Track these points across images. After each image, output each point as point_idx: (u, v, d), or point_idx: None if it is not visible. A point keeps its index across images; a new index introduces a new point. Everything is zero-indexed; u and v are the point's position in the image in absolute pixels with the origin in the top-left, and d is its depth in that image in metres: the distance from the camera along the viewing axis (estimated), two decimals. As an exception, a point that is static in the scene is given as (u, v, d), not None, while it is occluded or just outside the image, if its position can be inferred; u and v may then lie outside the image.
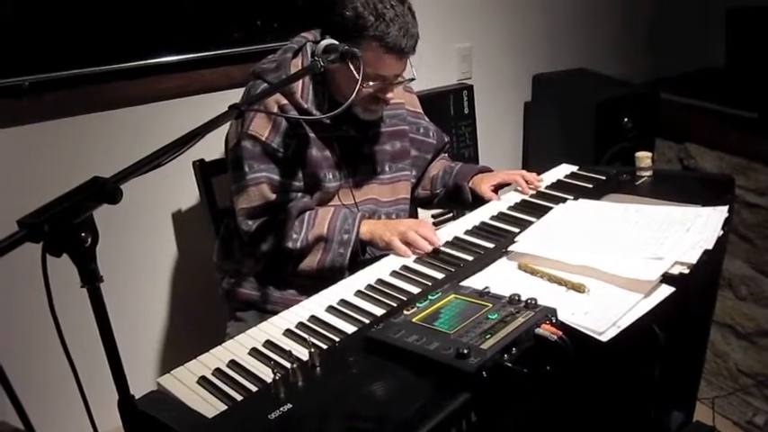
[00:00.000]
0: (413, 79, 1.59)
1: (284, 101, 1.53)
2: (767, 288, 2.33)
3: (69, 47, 1.77)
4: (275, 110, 1.52)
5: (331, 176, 1.61)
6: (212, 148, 1.89)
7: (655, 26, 2.99)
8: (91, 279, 0.82)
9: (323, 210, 1.60)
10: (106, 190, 0.81)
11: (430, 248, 1.46)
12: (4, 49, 1.70)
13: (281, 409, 0.98)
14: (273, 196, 1.54)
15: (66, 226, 0.78)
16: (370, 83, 1.48)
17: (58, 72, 1.75)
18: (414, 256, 1.46)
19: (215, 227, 1.86)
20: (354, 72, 1.38)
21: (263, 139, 1.53)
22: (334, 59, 1.32)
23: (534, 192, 1.74)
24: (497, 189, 1.77)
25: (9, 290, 1.75)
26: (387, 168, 1.72)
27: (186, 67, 1.93)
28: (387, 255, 1.51)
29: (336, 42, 1.39)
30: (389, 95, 1.53)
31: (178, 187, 1.98)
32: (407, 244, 1.47)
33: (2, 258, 0.75)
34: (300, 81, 1.54)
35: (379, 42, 1.44)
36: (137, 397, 0.99)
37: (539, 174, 1.80)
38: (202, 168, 1.88)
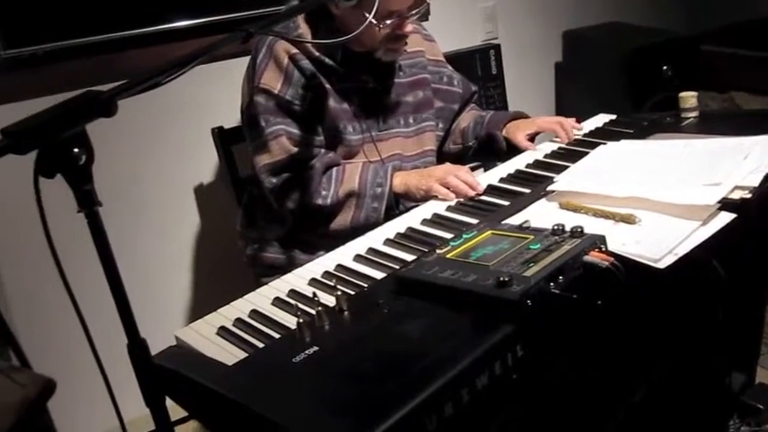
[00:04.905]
0: (428, 3, 1.52)
1: (294, 50, 1.45)
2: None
3: (81, 13, 1.72)
4: (286, 61, 1.44)
5: (351, 129, 1.51)
6: (231, 115, 1.82)
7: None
8: (88, 203, 0.74)
9: (350, 165, 1.51)
10: (100, 101, 0.74)
11: (472, 193, 1.37)
12: (17, 18, 1.65)
13: (307, 351, 0.90)
14: (295, 149, 1.46)
15: (57, 139, 0.70)
16: (387, 21, 1.40)
17: (71, 40, 1.70)
18: (447, 203, 1.37)
19: (237, 195, 1.79)
20: (365, 12, 1.30)
21: (276, 92, 1.44)
22: (349, -1, 1.23)
23: (572, 141, 1.63)
24: (533, 138, 1.66)
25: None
26: (411, 120, 1.62)
27: (198, 33, 1.86)
28: (417, 205, 1.41)
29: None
30: (408, 29, 1.45)
31: (199, 157, 1.92)
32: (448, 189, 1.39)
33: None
34: (310, 30, 1.46)
35: None
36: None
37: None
38: (222, 136, 1.82)
